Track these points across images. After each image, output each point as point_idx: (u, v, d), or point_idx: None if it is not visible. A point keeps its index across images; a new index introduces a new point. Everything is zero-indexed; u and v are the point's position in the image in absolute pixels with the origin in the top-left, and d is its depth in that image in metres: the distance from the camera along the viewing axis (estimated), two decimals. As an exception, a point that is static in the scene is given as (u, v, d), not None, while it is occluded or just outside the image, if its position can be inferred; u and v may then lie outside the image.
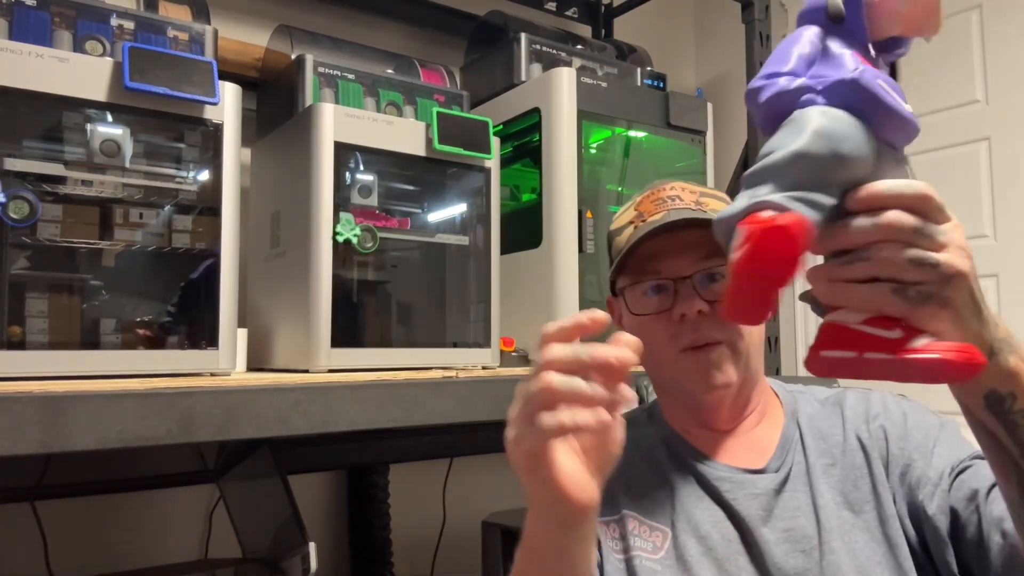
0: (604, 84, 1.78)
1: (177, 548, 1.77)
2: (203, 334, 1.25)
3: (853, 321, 0.48)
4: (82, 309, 1.20)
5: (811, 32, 0.52)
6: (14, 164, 1.13)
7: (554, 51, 1.91)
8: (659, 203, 0.88)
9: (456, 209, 1.65)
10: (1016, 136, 2.20)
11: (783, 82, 0.50)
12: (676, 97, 1.90)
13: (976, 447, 0.60)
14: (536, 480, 0.56)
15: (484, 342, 1.57)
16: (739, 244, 0.45)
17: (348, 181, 1.48)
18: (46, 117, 1.18)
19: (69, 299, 1.20)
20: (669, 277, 0.85)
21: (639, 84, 1.98)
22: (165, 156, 1.28)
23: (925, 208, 0.49)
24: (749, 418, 0.91)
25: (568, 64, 1.88)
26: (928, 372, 0.46)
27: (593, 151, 1.84)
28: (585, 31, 2.55)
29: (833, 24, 0.51)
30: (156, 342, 1.25)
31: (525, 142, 1.84)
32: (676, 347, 0.84)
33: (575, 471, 0.55)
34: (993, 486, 0.73)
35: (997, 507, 0.72)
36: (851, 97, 0.48)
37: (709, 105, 1.97)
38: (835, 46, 0.51)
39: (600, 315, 0.55)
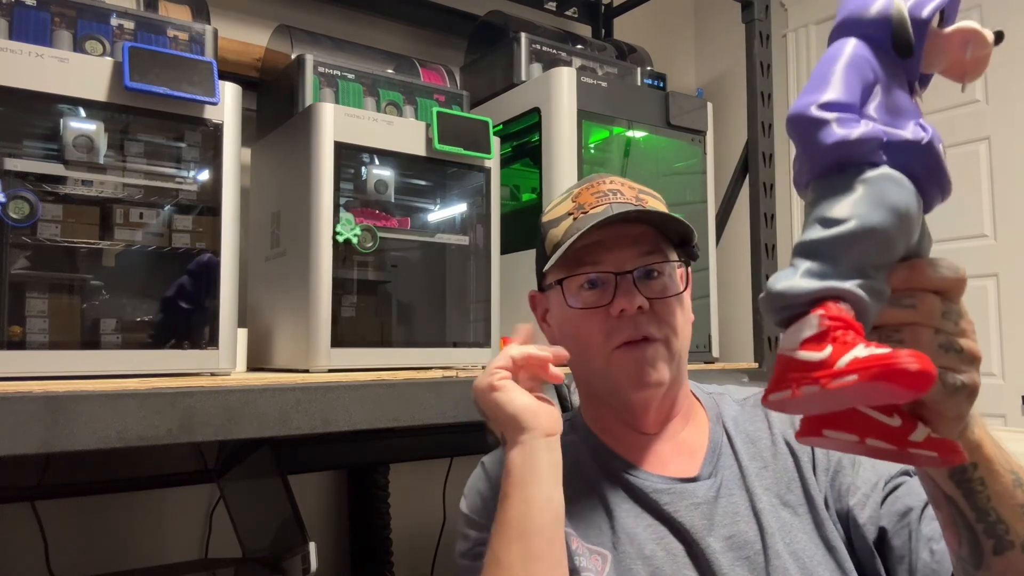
0: (604, 84, 1.78)
1: (177, 548, 1.77)
2: (203, 334, 1.25)
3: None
4: (82, 309, 1.20)
5: (866, 52, 0.44)
6: (14, 164, 1.13)
7: (554, 51, 1.92)
8: (600, 196, 0.86)
9: (456, 209, 1.65)
10: (1016, 136, 2.20)
11: (844, 129, 0.43)
12: (676, 97, 1.90)
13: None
14: (500, 401, 0.78)
15: (484, 342, 1.57)
16: (850, 365, 0.39)
17: (363, 176, 1.48)
18: (46, 117, 1.18)
19: (69, 299, 1.20)
20: (610, 270, 0.83)
21: (639, 84, 1.98)
22: (165, 156, 1.28)
23: (958, 292, 0.48)
24: (675, 421, 0.89)
25: (568, 64, 1.88)
26: (923, 463, 0.46)
27: (593, 151, 1.84)
28: (585, 31, 2.55)
29: (895, 53, 0.44)
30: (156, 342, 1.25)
31: (525, 142, 1.84)
32: (611, 344, 0.82)
33: (526, 394, 0.79)
34: (927, 504, 0.74)
35: (929, 526, 0.73)
36: (917, 163, 0.44)
37: (709, 105, 1.97)
38: (889, 77, 0.45)
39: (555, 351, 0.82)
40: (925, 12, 0.44)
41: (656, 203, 0.88)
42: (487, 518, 0.83)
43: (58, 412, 0.94)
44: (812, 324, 0.41)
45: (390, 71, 1.69)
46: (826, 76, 0.44)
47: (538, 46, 1.89)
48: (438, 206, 1.65)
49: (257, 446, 1.51)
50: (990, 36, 0.46)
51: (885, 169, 0.43)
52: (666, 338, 0.83)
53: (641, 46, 2.29)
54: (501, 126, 1.84)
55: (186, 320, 1.27)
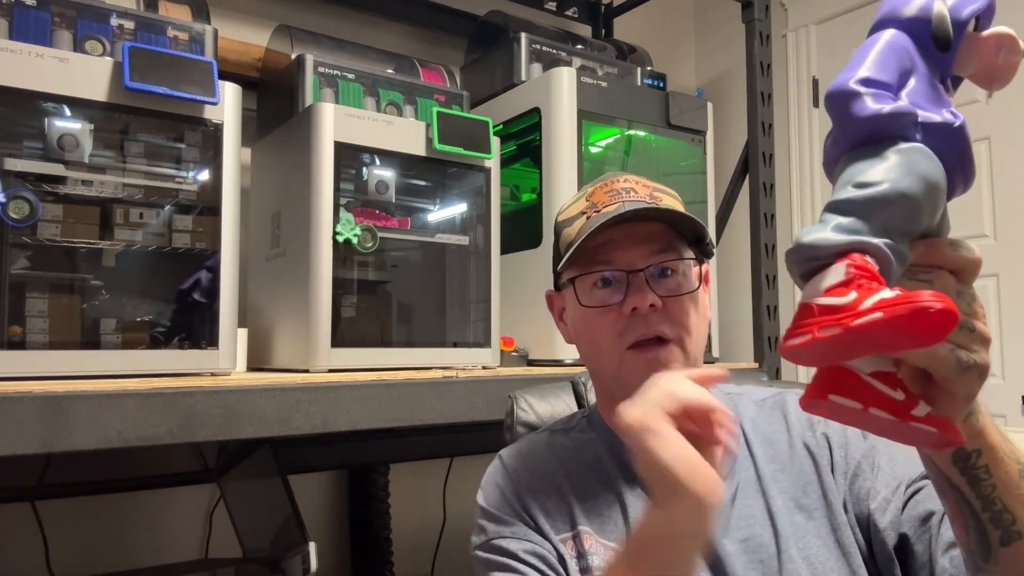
0: (604, 84, 1.78)
1: (177, 548, 1.77)
2: (203, 334, 1.25)
3: (865, 370, 0.45)
4: (82, 309, 1.20)
5: (906, 41, 0.47)
6: (14, 164, 1.13)
7: (554, 51, 1.92)
8: (613, 194, 0.85)
9: (456, 209, 1.65)
10: (1016, 136, 2.20)
11: (878, 104, 0.45)
12: (676, 97, 1.90)
13: (919, 464, 0.61)
14: (652, 448, 0.59)
15: (484, 342, 1.57)
16: (876, 305, 0.39)
17: (364, 176, 1.48)
18: (46, 117, 1.18)
19: (69, 299, 1.20)
20: (622, 268, 0.82)
21: (639, 84, 1.98)
22: (165, 156, 1.28)
23: (972, 274, 0.49)
24: None
25: (568, 64, 1.88)
26: (922, 441, 0.48)
27: (593, 151, 1.84)
28: (585, 31, 2.55)
29: (934, 47, 0.47)
30: (156, 342, 1.25)
31: (525, 142, 1.85)
32: (623, 343, 0.81)
33: (687, 446, 0.58)
34: None
35: (949, 531, 0.72)
36: (948, 144, 0.46)
37: (709, 105, 1.97)
38: (925, 69, 0.47)
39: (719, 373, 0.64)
40: (964, 13, 0.47)
41: (671, 201, 0.88)
42: (504, 511, 0.84)
43: (58, 412, 0.94)
44: (838, 272, 0.42)
45: (390, 71, 1.69)
46: (864, 57, 0.47)
47: (538, 46, 1.89)
48: (438, 206, 1.65)
49: (257, 446, 1.52)
50: (1023, 45, 0.48)
51: (918, 145, 0.46)
52: (679, 338, 0.82)
53: (641, 46, 2.29)
54: (501, 126, 1.84)
55: (187, 319, 1.27)
